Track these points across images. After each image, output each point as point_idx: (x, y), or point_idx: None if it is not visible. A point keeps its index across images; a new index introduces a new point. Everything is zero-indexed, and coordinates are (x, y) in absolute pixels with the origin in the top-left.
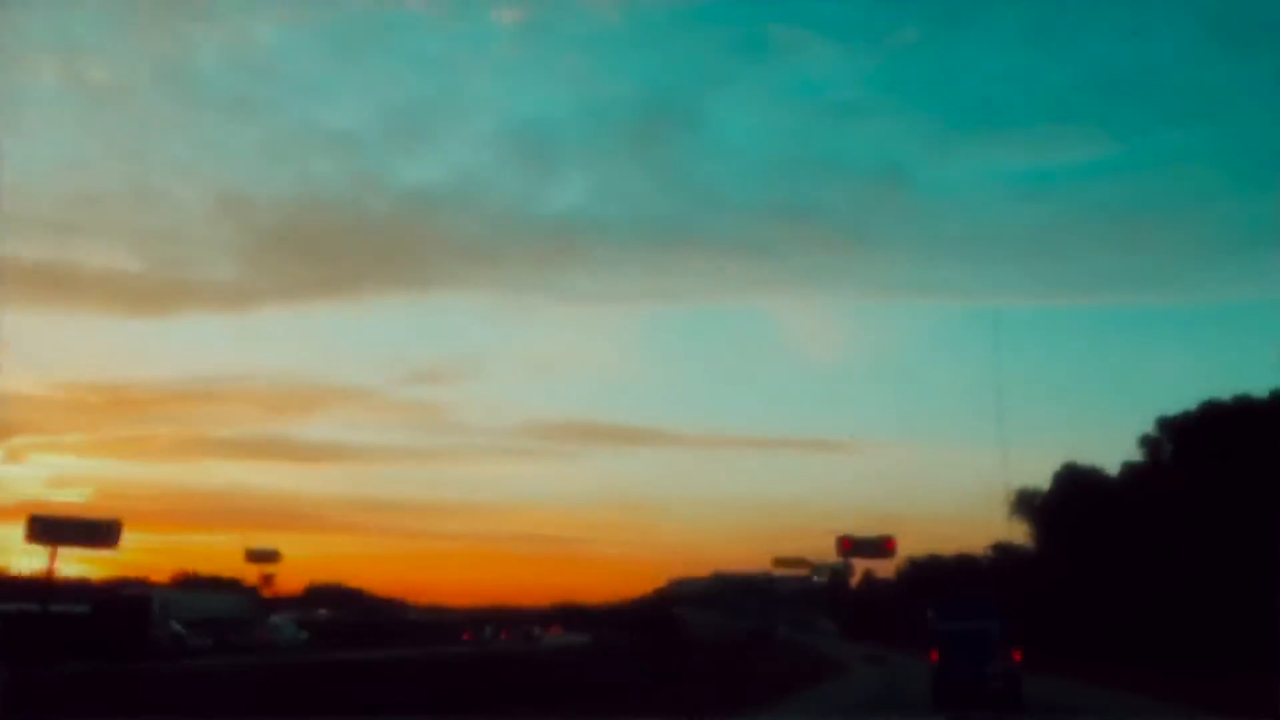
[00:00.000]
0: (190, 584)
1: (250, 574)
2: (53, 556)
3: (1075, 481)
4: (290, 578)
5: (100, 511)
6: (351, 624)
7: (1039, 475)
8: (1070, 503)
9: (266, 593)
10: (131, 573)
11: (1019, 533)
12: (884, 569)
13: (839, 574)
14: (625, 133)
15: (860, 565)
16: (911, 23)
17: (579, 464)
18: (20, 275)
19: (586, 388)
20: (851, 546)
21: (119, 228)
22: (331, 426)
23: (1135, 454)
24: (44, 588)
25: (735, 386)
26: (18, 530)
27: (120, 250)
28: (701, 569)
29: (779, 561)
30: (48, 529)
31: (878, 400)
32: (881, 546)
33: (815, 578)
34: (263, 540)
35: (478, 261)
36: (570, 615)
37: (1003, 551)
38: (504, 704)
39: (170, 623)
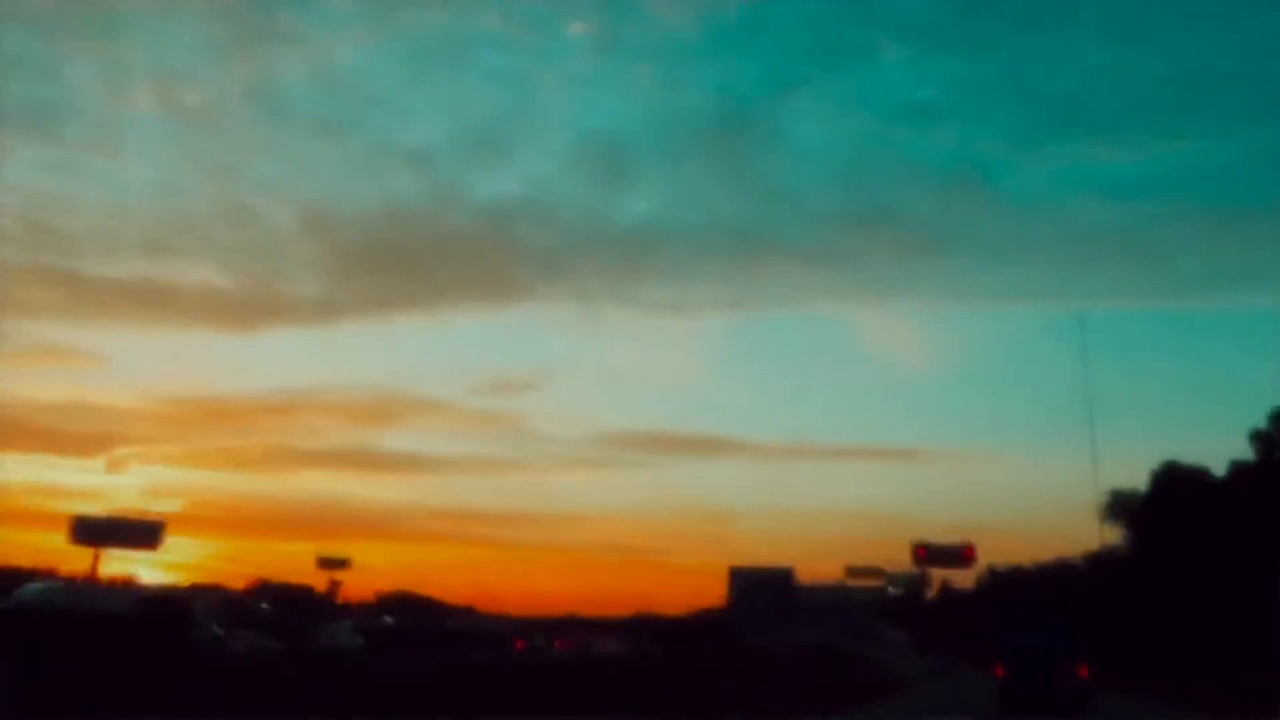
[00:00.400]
0: (261, 590)
1: (320, 580)
2: (96, 558)
3: (1177, 481)
4: (365, 585)
5: (148, 515)
6: (408, 630)
7: (1131, 481)
8: (1171, 503)
9: (337, 599)
10: (210, 578)
11: (1111, 538)
12: (963, 579)
13: (914, 584)
14: (699, 141)
15: (938, 576)
16: (992, 21)
17: (654, 474)
18: (120, 293)
19: (662, 397)
20: (927, 555)
21: (211, 246)
22: (411, 437)
23: (1243, 451)
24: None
25: (812, 395)
26: None
27: (212, 268)
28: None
29: (852, 571)
30: (90, 530)
31: (959, 408)
32: (959, 555)
33: (891, 589)
34: (344, 549)
35: (554, 273)
36: (638, 625)
37: (1093, 560)
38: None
39: (211, 625)
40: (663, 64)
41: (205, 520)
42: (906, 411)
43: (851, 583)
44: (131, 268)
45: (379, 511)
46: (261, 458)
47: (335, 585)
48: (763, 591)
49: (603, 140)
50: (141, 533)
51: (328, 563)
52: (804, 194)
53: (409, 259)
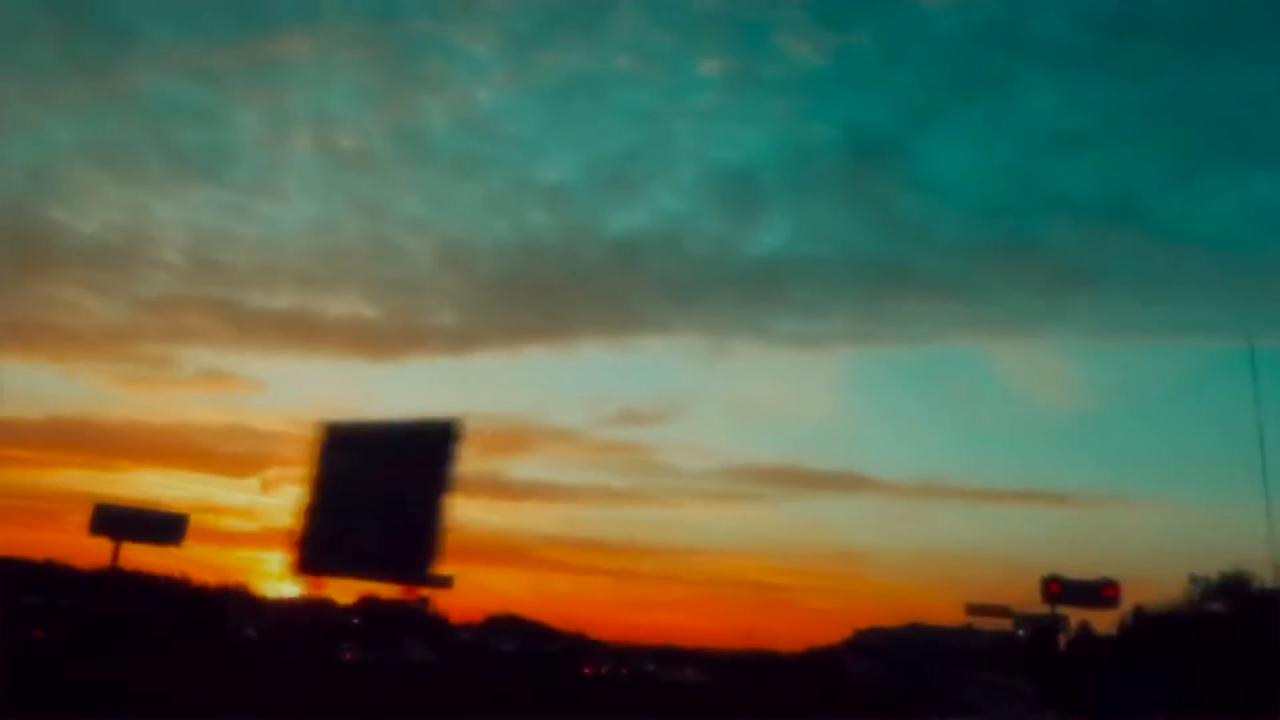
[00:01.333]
0: (363, 605)
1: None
2: (116, 550)
3: None
4: (479, 606)
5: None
6: (490, 648)
7: None
8: None
9: (428, 614)
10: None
11: None
12: (1104, 622)
13: (1046, 626)
14: (831, 174)
15: (1075, 618)
16: (1145, 43)
17: (780, 509)
18: (277, 323)
19: (790, 432)
20: (1062, 591)
21: (358, 279)
22: (540, 465)
23: None
24: (107, 582)
25: (946, 433)
26: (272, 555)
27: (360, 300)
28: (899, 620)
29: (973, 609)
30: (110, 521)
31: (1108, 450)
32: (1098, 593)
33: (1020, 631)
34: (469, 572)
35: (684, 306)
36: (741, 660)
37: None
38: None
39: (246, 627)
40: (794, 98)
41: None
42: (1049, 453)
43: (976, 623)
44: (287, 299)
45: (505, 537)
46: None
47: (422, 602)
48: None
49: (734, 174)
50: (163, 526)
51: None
52: (939, 226)
53: (543, 292)
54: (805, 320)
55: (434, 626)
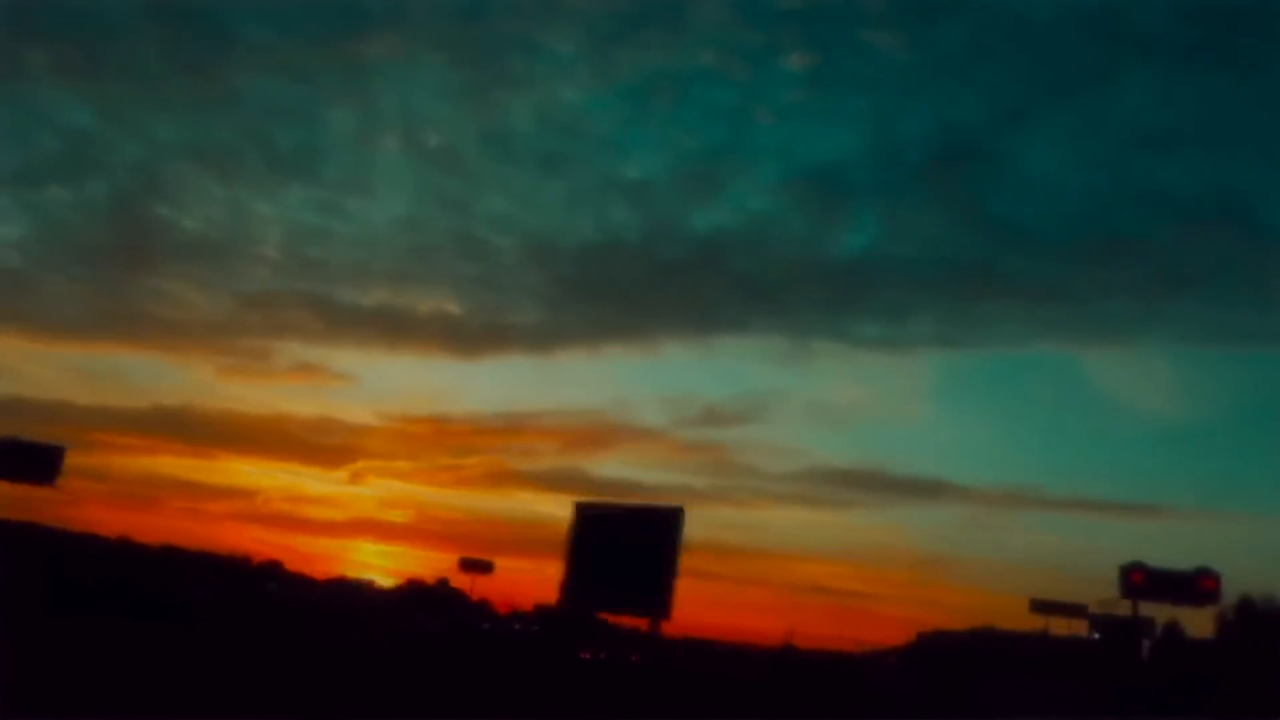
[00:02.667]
0: (409, 589)
1: (464, 582)
2: None
3: None
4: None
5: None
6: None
7: None
8: None
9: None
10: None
11: None
12: (1199, 624)
13: (1123, 626)
14: (918, 172)
15: (1161, 617)
16: (1247, 36)
17: (861, 514)
18: (367, 318)
19: (873, 435)
20: (1146, 583)
21: (445, 276)
22: (619, 463)
23: None
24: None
25: (1035, 440)
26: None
27: (445, 296)
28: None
29: (1040, 606)
30: None
31: (1208, 461)
32: (1193, 586)
33: (1097, 635)
34: (548, 568)
35: (766, 305)
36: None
37: None
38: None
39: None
40: (881, 94)
41: (430, 533)
42: (1143, 462)
43: (1051, 626)
44: (377, 295)
45: None
46: (484, 476)
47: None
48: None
49: (818, 172)
50: (37, 460)
51: (470, 565)
52: (1030, 226)
53: (624, 289)
54: (890, 323)
55: (462, 607)
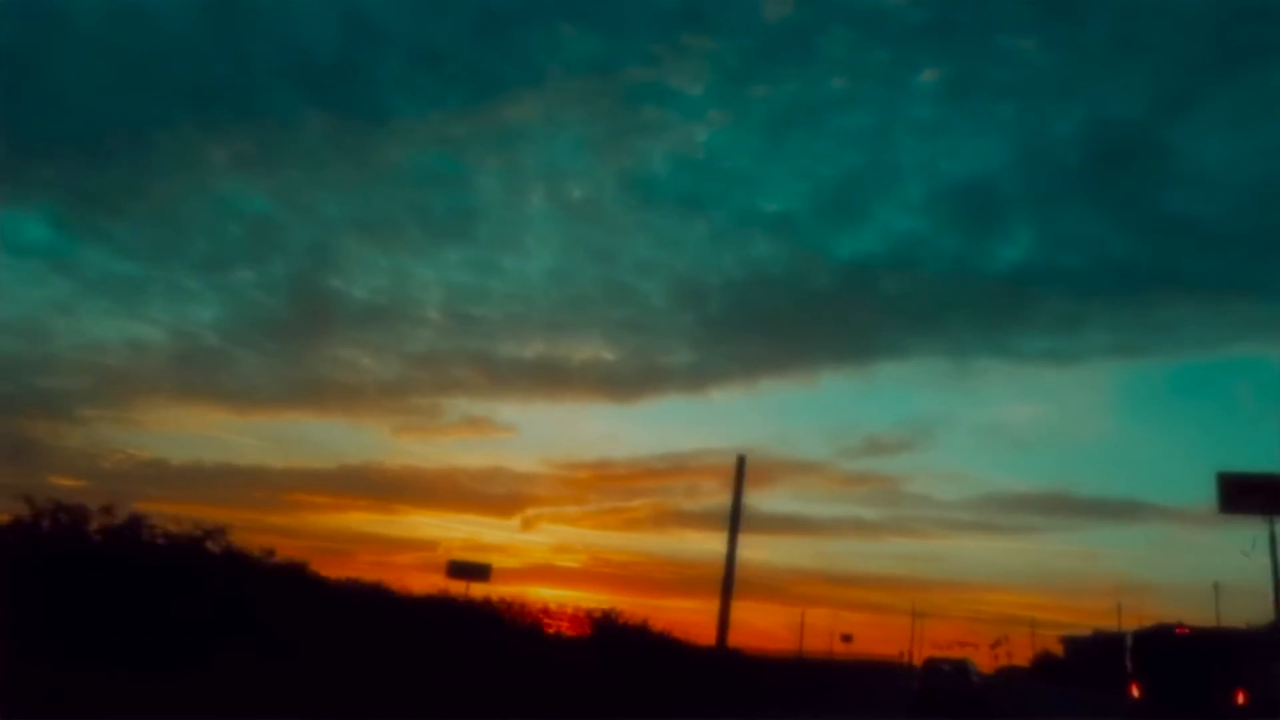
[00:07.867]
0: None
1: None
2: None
3: None
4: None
5: None
6: None
7: None
8: None
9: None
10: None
11: None
12: None
13: None
14: (1074, 175)
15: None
16: None
17: (1043, 539)
18: (525, 371)
19: (1049, 456)
20: None
21: (597, 324)
22: (785, 498)
23: None
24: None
25: (1237, 451)
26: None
27: (598, 344)
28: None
29: None
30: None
31: None
32: None
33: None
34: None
35: (922, 328)
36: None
37: None
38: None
39: None
40: (1025, 99)
41: (603, 575)
42: None
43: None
44: (534, 348)
45: (758, 571)
46: (649, 518)
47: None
48: None
49: (966, 186)
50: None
51: (460, 570)
52: (1207, 220)
53: (775, 323)
54: (1056, 336)
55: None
